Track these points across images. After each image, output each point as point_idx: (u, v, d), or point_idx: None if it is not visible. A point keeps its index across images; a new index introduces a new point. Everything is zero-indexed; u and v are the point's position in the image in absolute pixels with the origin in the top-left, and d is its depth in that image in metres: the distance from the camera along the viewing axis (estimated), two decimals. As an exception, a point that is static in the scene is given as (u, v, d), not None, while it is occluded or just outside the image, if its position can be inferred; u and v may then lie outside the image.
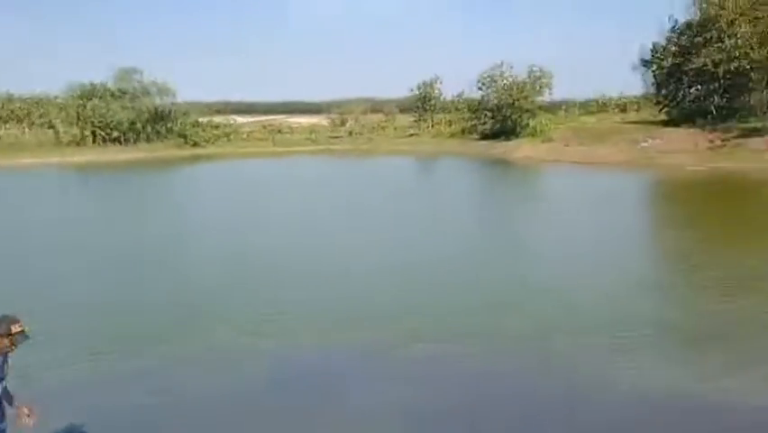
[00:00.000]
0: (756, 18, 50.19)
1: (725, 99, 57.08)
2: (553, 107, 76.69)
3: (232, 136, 78.20)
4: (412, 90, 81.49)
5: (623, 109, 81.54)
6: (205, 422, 9.33)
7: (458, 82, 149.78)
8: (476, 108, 75.12)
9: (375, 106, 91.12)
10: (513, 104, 66.29)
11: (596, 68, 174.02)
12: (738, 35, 49.92)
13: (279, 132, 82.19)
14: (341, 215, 28.88)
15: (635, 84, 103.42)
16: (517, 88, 67.51)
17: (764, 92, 54.30)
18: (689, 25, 58.08)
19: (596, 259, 19.29)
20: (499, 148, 62.40)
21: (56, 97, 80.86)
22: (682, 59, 57.35)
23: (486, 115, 73.17)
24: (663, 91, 62.32)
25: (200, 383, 10.72)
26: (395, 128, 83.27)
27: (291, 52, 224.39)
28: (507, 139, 65.08)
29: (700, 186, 39.02)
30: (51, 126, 74.54)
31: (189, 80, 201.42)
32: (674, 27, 59.87)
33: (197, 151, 70.04)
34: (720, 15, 52.15)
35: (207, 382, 10.77)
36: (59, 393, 9.87)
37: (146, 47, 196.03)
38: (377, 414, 9.42)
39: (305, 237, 23.34)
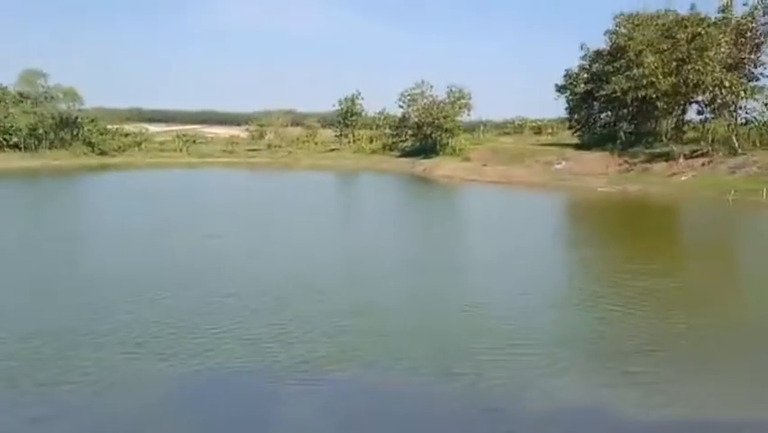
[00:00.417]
0: (662, 50, 52.77)
1: (633, 125, 59.64)
2: (471, 127, 78.03)
3: (143, 145, 75.06)
4: (334, 105, 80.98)
5: (537, 131, 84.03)
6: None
7: (379, 98, 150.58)
8: (397, 126, 75.47)
9: (296, 119, 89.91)
10: (433, 122, 66.90)
11: (514, 90, 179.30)
12: (645, 65, 52.27)
13: (194, 142, 79.52)
14: (245, 237, 27.06)
15: (551, 107, 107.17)
16: (437, 108, 68.25)
17: (669, 119, 57.14)
18: (599, 54, 60.49)
19: (516, 277, 19.06)
20: (420, 166, 62.63)
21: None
22: (594, 85, 59.61)
23: (407, 132, 73.62)
24: (576, 116, 64.51)
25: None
26: (316, 143, 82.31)
27: (210, 62, 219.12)
28: (428, 157, 65.48)
29: (612, 207, 40.29)
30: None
31: (99, 86, 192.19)
32: (586, 55, 62.28)
33: (105, 160, 66.62)
34: (629, 46, 54.56)
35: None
36: None
37: (52, 50, 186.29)
38: None
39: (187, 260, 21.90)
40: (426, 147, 68.07)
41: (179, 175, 58.28)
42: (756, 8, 50.64)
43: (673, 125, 57.02)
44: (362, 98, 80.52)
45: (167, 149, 76.42)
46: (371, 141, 78.92)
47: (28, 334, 13.10)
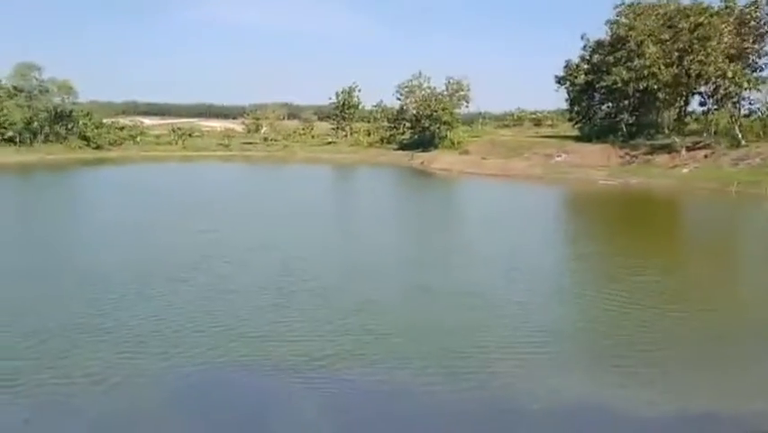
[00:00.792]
0: (663, 40, 51.92)
1: (634, 117, 58.95)
2: (469, 119, 77.29)
3: (138, 139, 74.29)
4: (330, 98, 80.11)
5: (537, 123, 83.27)
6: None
7: (376, 91, 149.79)
8: (395, 118, 74.70)
9: (292, 112, 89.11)
10: (431, 115, 66.09)
11: (514, 82, 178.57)
12: (647, 56, 51.44)
13: (190, 135, 78.71)
14: (241, 232, 26.54)
15: (551, 99, 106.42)
16: (436, 100, 67.45)
17: (671, 111, 56.34)
18: (599, 44, 59.65)
19: (520, 273, 18.46)
20: (417, 159, 61.92)
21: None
22: (594, 76, 58.81)
23: (404, 125, 72.85)
24: (576, 108, 63.73)
25: None
26: (312, 136, 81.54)
27: (205, 54, 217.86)
28: (425, 150, 64.76)
29: (613, 199, 39.82)
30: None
31: (94, 80, 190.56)
32: (586, 46, 61.42)
33: (101, 154, 65.84)
34: (630, 36, 53.70)
35: None
36: None
37: (47, 43, 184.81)
38: None
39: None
40: (424, 140, 67.33)
41: (176, 169, 57.71)
42: (760, -4, 49.90)
43: (675, 117, 56.37)
44: (360, 90, 79.79)
45: (162, 142, 75.70)
46: (368, 134, 78.12)
47: (27, 332, 12.54)
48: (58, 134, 68.56)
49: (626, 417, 9.49)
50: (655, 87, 52.19)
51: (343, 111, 79.49)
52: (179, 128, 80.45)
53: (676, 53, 51.27)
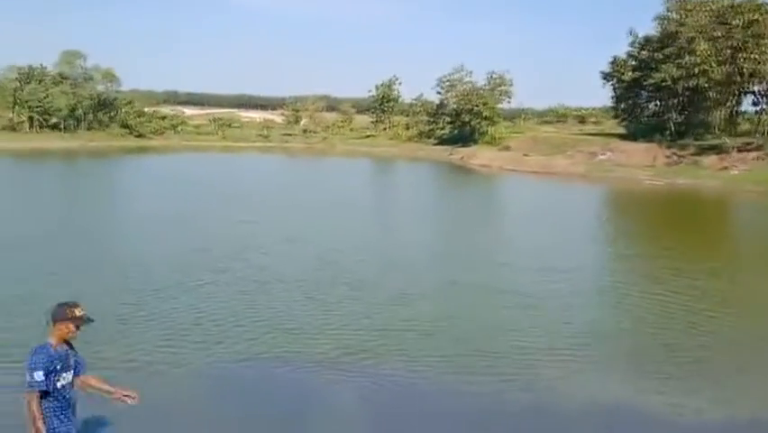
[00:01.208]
0: (715, 37, 50.23)
1: (683, 116, 57.23)
2: (511, 115, 76.19)
3: (179, 128, 75.23)
4: (370, 91, 79.83)
5: (581, 120, 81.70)
6: None
7: (416, 84, 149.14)
8: (435, 112, 74.11)
9: (331, 104, 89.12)
10: (472, 110, 65.26)
11: (557, 78, 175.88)
12: (697, 53, 49.84)
13: (230, 126, 79.35)
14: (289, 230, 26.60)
15: (596, 96, 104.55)
16: (477, 94, 66.57)
17: (722, 110, 54.51)
18: (648, 40, 58.06)
19: (562, 274, 17.82)
20: (457, 154, 61.23)
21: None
22: (642, 73, 57.26)
23: (444, 119, 72.18)
24: (623, 105, 62.24)
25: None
26: (351, 129, 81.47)
27: (245, 45, 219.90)
28: (465, 145, 64.02)
29: (659, 200, 38.76)
30: (-16, 109, 70.06)
31: (136, 68, 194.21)
32: (634, 41, 59.85)
33: (141, 142, 66.86)
34: (680, 32, 52.07)
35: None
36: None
37: (90, 31, 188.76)
38: None
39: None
40: (464, 135, 66.55)
41: (216, 159, 58.24)
42: (819, -7, 47.91)
43: (726, 116, 54.43)
44: (400, 83, 79.34)
45: (202, 132, 76.51)
46: (407, 127, 77.65)
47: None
48: (101, 122, 69.96)
49: (669, 423, 9.00)
50: (706, 85, 50.60)
51: (383, 104, 79.16)
52: (219, 118, 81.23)
53: (728, 51, 49.62)
